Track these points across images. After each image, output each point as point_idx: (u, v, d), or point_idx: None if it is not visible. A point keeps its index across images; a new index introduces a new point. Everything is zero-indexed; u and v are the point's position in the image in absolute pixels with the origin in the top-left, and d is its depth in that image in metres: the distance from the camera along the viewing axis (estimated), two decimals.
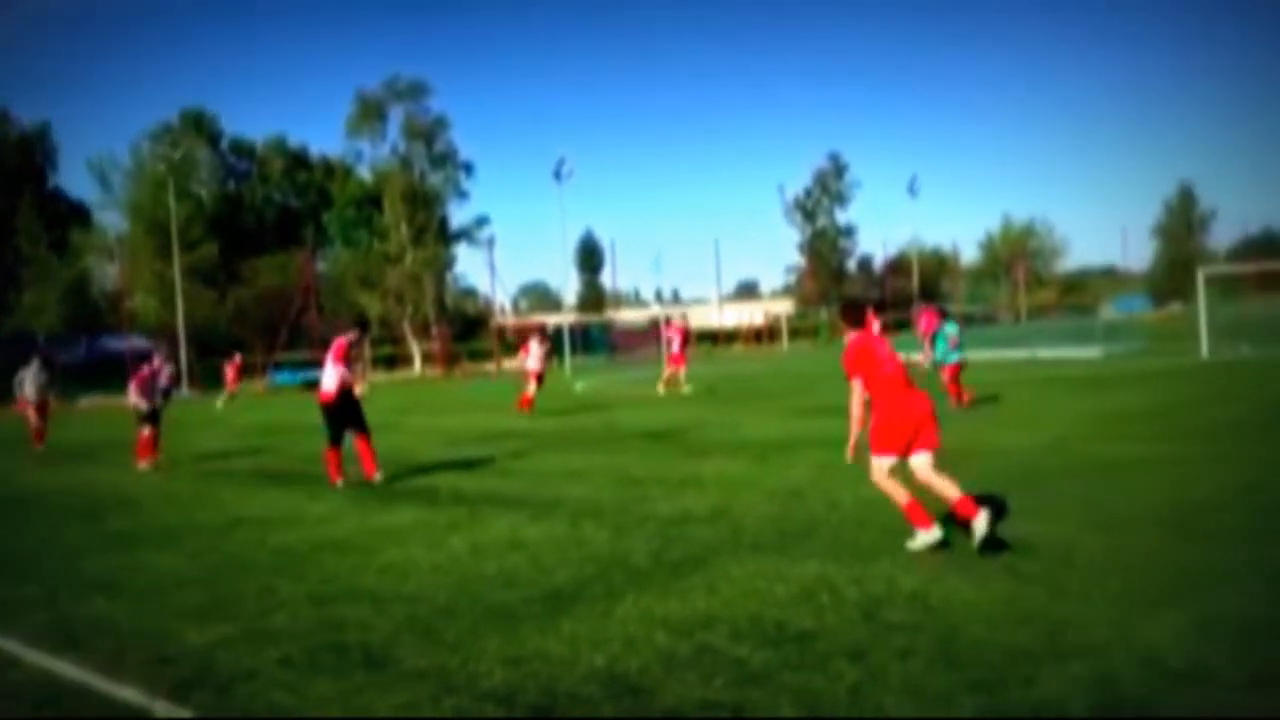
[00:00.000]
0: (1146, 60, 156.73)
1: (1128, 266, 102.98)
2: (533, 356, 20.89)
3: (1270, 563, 6.09)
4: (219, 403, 32.78)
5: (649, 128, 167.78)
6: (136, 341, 48.15)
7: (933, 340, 17.32)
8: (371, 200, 59.91)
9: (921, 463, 6.87)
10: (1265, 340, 27.31)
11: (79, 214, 65.20)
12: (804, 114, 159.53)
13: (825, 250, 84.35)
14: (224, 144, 72.32)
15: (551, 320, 54.43)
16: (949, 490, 6.73)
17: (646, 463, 12.30)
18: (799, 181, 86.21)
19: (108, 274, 63.34)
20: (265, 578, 7.24)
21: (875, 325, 7.90)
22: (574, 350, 48.07)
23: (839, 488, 9.18)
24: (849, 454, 7.25)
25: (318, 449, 12.59)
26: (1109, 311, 67.99)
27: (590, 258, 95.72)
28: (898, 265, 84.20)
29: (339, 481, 11.57)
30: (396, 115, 59.45)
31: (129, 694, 4.94)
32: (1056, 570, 6.08)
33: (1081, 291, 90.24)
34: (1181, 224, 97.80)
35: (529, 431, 17.27)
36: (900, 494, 6.85)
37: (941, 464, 6.91)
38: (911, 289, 78.09)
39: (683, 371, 24.75)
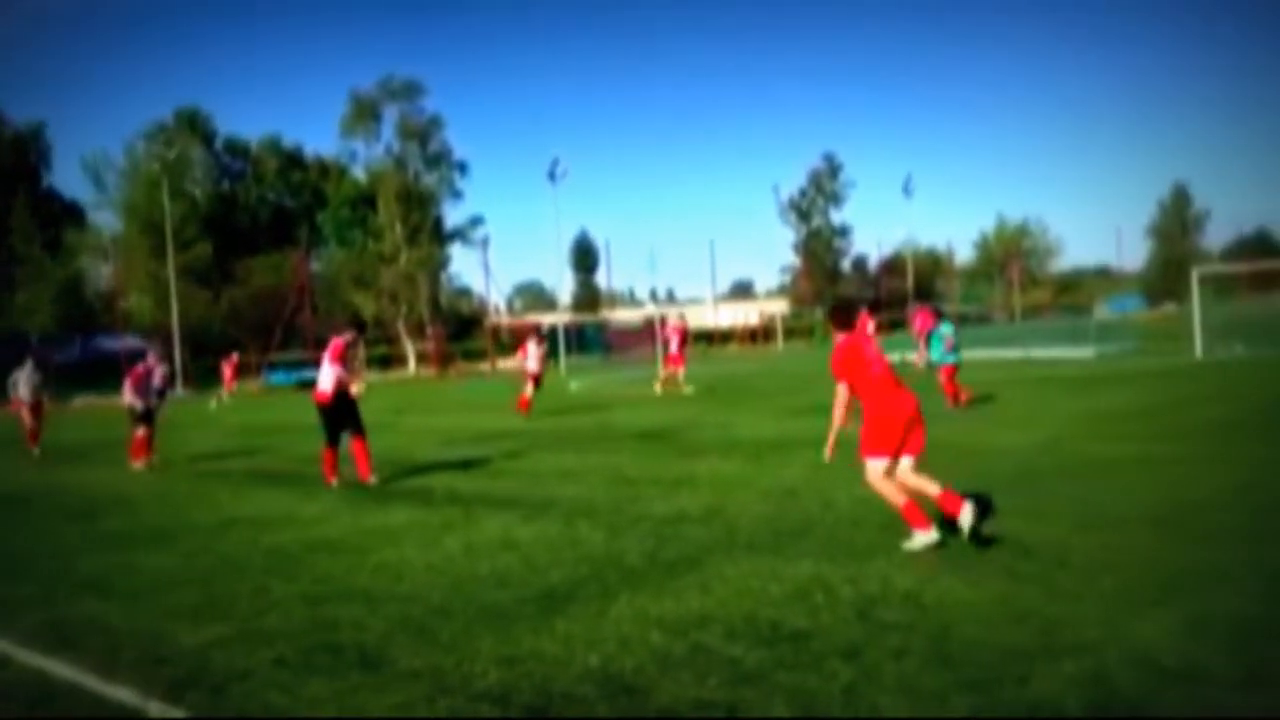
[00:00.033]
0: (1141, 60, 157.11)
1: (1122, 266, 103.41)
2: (531, 358, 20.88)
3: (1265, 562, 6.11)
4: (213, 402, 32.73)
5: (643, 127, 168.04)
6: (131, 341, 48.11)
7: (928, 340, 17.36)
8: (366, 200, 59.79)
9: (905, 466, 6.92)
10: (1259, 340, 27.37)
11: (73, 214, 65.01)
12: (799, 114, 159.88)
13: (820, 250, 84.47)
14: (218, 143, 72.15)
15: (546, 320, 54.38)
16: (930, 488, 6.80)
17: (641, 462, 12.30)
18: (794, 181, 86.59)
19: (102, 274, 63.28)
20: (259, 578, 7.23)
21: (870, 325, 7.93)
22: (569, 350, 48.06)
23: (833, 487, 9.19)
24: (827, 453, 7.31)
25: (312, 449, 12.59)
26: (1103, 311, 68.20)
27: (585, 257, 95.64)
28: (892, 265, 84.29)
29: (334, 482, 11.56)
30: (391, 115, 59.43)
31: (123, 694, 4.93)
32: (1051, 570, 6.10)
33: (1076, 291, 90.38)
34: (1175, 224, 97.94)
35: (524, 431, 17.26)
36: (896, 495, 6.87)
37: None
38: (906, 289, 78.21)
39: (682, 372, 24.71)
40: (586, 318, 70.58)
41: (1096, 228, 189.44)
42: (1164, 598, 5.44)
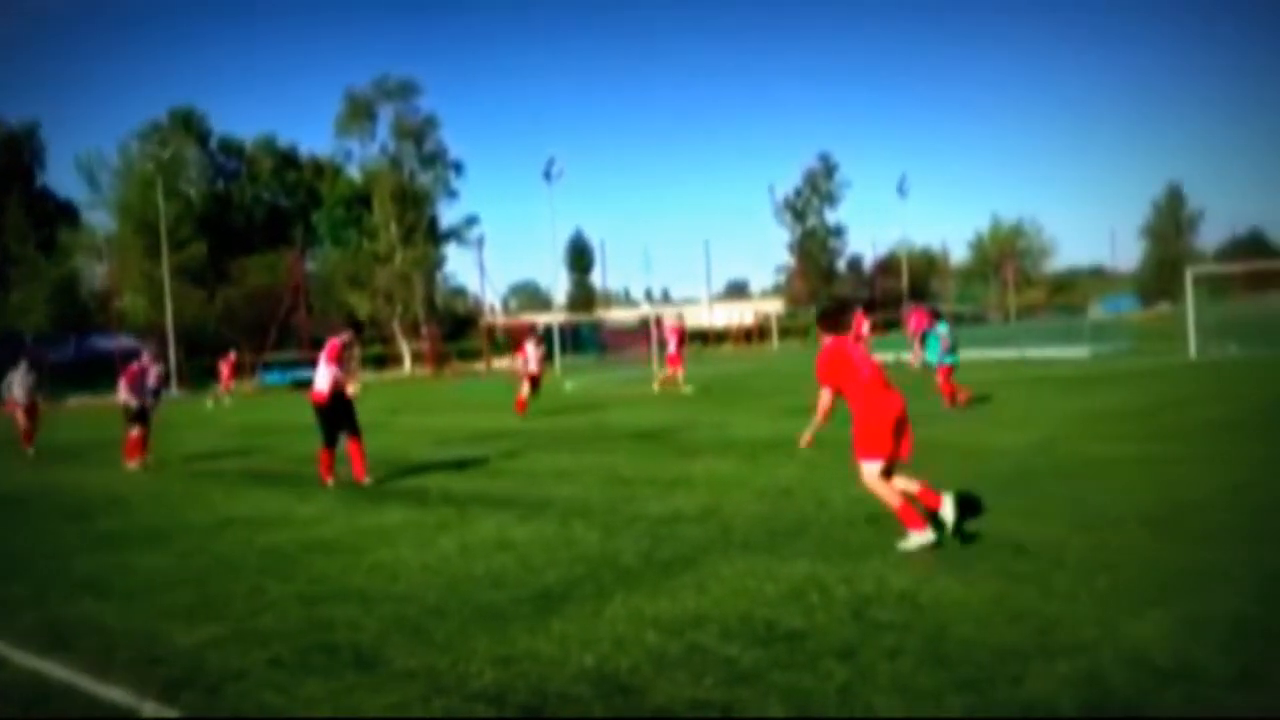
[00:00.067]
0: (1135, 61, 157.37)
1: (1116, 266, 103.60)
2: (531, 359, 20.86)
3: (1261, 562, 6.12)
4: (209, 401, 32.67)
5: (638, 127, 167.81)
6: (125, 341, 48.05)
7: (923, 340, 17.37)
8: (361, 200, 59.78)
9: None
10: (1253, 340, 27.41)
11: (67, 213, 64.86)
12: (794, 114, 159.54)
13: (815, 250, 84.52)
14: (213, 143, 71.90)
15: (541, 320, 54.31)
16: (909, 485, 6.89)
17: (636, 462, 12.30)
18: (789, 181, 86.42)
19: (96, 273, 63.02)
20: (254, 578, 7.22)
21: (865, 326, 7.97)
22: (564, 350, 48.03)
23: (829, 487, 9.20)
24: (805, 439, 7.40)
25: (307, 449, 12.57)
26: (1097, 311, 68.30)
27: (580, 257, 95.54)
28: (887, 265, 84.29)
29: (330, 482, 11.55)
30: (386, 114, 59.50)
31: (117, 694, 4.93)
32: (1046, 569, 6.10)
33: (1070, 291, 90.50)
34: (1169, 224, 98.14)
35: (519, 431, 17.26)
36: (892, 496, 6.88)
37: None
38: (901, 289, 78.17)
39: (680, 372, 24.68)
40: (582, 317, 70.51)
41: (1091, 228, 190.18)
42: (1159, 597, 5.45)
